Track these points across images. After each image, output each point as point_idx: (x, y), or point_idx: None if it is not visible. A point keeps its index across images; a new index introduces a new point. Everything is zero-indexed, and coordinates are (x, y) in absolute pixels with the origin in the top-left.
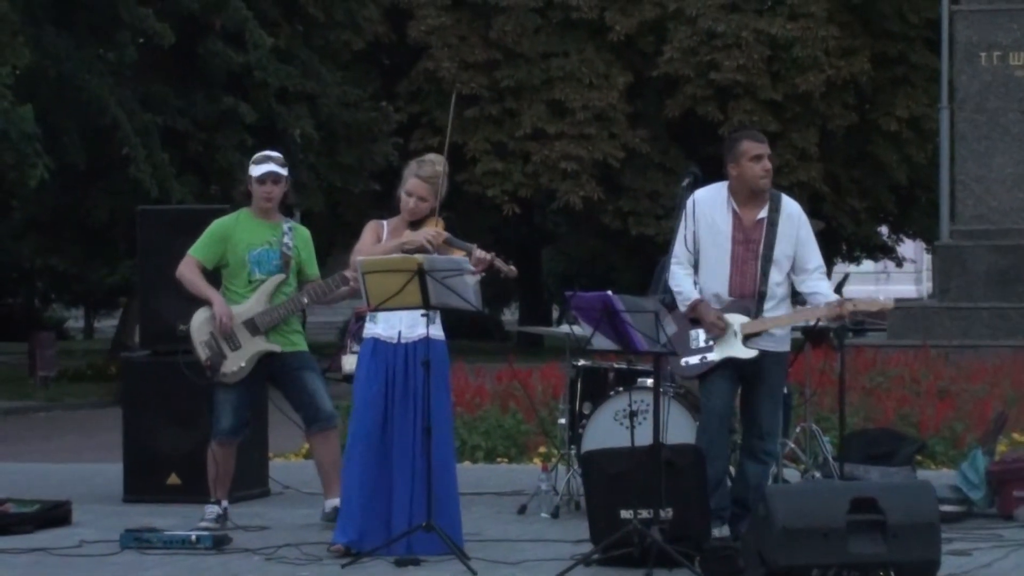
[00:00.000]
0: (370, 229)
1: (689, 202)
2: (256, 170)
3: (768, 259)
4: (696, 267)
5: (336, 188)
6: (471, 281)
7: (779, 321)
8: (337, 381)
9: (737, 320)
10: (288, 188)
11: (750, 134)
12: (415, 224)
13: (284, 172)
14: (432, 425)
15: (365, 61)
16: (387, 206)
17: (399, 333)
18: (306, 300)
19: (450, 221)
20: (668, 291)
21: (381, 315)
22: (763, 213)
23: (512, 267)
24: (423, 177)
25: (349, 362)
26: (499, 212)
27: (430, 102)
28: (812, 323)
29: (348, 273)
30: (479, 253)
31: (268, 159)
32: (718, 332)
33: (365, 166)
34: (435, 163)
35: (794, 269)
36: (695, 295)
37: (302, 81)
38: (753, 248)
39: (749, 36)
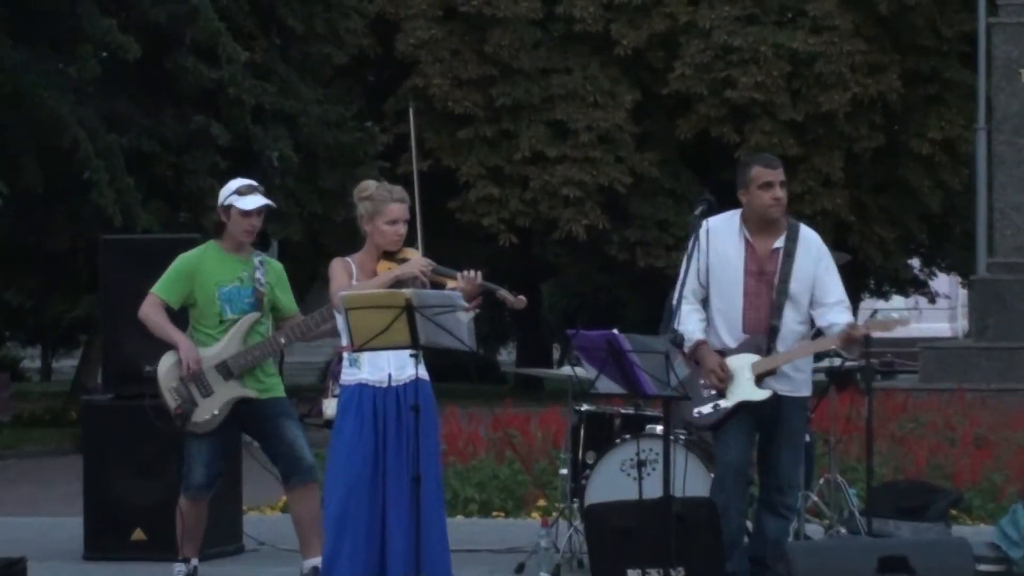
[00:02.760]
0: (341, 267)
1: (702, 231)
2: (243, 203)
3: (783, 292)
4: (708, 302)
5: (316, 216)
6: (464, 318)
7: (791, 355)
8: (318, 427)
9: (747, 360)
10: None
11: (762, 159)
12: (390, 255)
13: (269, 203)
14: (421, 474)
15: (348, 77)
16: None
17: (389, 376)
18: (284, 340)
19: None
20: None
21: (365, 358)
22: (779, 243)
23: (521, 297)
24: (401, 200)
25: (331, 406)
26: (495, 242)
27: (420, 122)
28: (837, 364)
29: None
30: (468, 274)
31: (254, 189)
32: (715, 382)
33: (348, 191)
34: (391, 185)
35: (812, 303)
36: (698, 336)
37: (280, 99)
38: (767, 280)
39: (768, 51)
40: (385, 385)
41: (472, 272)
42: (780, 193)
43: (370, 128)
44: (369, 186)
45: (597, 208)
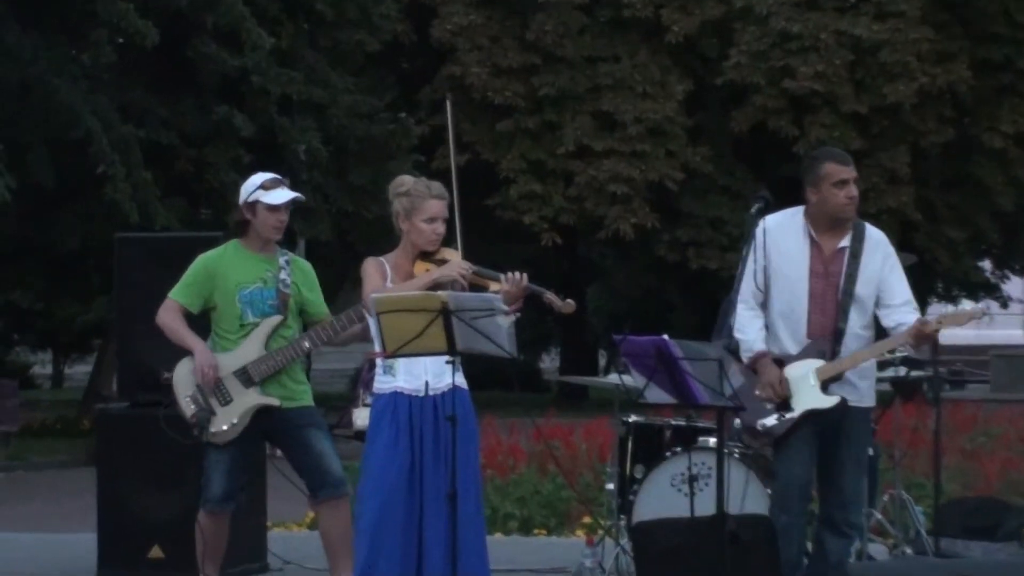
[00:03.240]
0: (374, 268)
1: (758, 231)
2: (270, 197)
3: (849, 294)
4: (767, 306)
5: (346, 213)
6: (504, 323)
7: (858, 358)
8: (348, 439)
9: (811, 366)
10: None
11: (834, 154)
12: (427, 255)
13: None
14: (459, 489)
15: (381, 65)
16: None
17: (426, 384)
18: (308, 344)
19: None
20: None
21: (401, 365)
22: (845, 242)
23: (569, 301)
24: (440, 196)
25: (362, 416)
26: (537, 242)
27: (457, 114)
28: (902, 373)
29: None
30: (512, 276)
31: (279, 183)
32: (769, 397)
33: (380, 187)
34: (429, 181)
35: (878, 304)
36: (759, 346)
37: (307, 88)
38: (833, 282)
39: (829, 38)
40: (422, 394)
41: (517, 274)
42: (855, 191)
43: (404, 120)
44: (406, 181)
45: (646, 206)
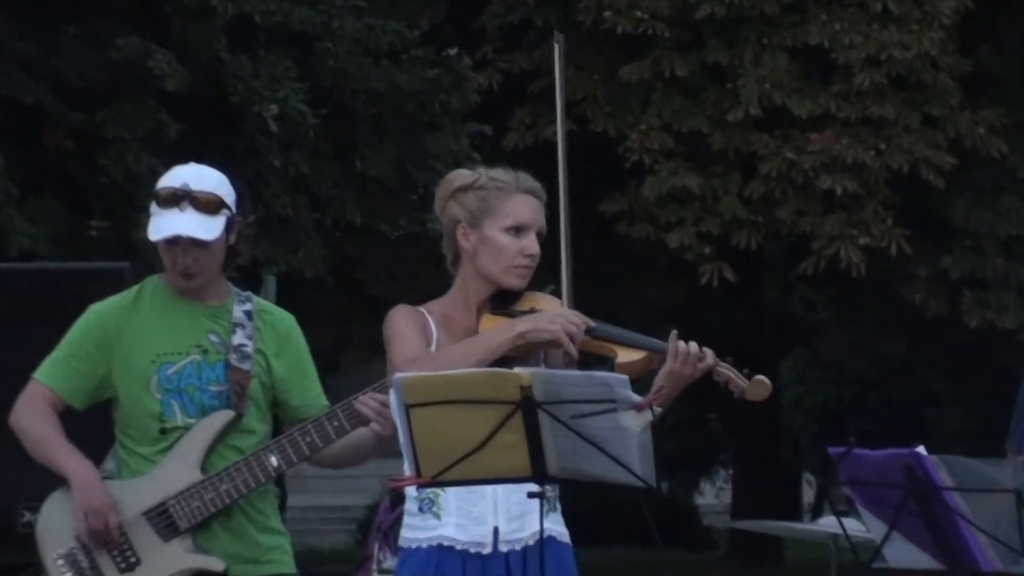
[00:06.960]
0: (408, 320)
1: None
2: (155, 224)
3: None
4: None
5: (352, 227)
6: (635, 424)
7: None
8: None
9: None
10: (243, 236)
11: None
12: (502, 303)
13: (217, 228)
14: None
15: None
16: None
17: (495, 532)
18: (276, 462)
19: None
20: None
21: (450, 499)
22: None
23: (761, 378)
24: (531, 192)
25: None
26: (692, 278)
27: (547, 50)
28: None
29: (371, 399)
30: (687, 347)
31: (183, 196)
32: None
33: (411, 181)
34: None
35: None
36: None
37: (282, 5)
38: None
39: None
40: (487, 549)
41: (692, 345)
42: None
43: (455, 61)
44: (464, 175)
45: (887, 214)
